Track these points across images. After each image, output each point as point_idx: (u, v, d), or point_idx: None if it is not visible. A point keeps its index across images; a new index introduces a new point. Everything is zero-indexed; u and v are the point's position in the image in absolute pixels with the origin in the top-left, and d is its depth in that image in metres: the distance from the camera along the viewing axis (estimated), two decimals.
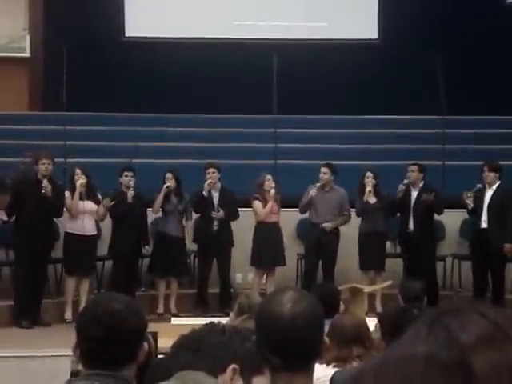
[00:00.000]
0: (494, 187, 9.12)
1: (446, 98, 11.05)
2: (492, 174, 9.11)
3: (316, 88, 13.21)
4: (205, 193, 9.25)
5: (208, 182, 9.27)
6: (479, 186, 9.21)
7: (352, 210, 9.44)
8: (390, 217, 9.55)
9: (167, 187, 9.22)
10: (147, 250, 9.35)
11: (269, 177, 9.39)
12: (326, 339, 2.08)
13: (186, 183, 9.45)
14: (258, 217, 9.32)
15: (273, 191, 9.23)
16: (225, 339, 1.82)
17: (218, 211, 9.25)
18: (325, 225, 9.18)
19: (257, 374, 1.75)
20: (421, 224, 9.18)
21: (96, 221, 9.17)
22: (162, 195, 9.23)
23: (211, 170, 9.36)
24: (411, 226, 9.24)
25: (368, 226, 9.29)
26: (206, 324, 1.91)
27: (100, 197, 9.15)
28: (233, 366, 1.69)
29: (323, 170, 9.35)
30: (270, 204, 9.26)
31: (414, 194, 9.30)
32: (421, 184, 9.35)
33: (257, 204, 9.33)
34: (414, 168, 9.36)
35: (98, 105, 12.50)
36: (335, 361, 3.80)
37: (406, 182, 9.32)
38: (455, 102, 11.24)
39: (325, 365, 3.74)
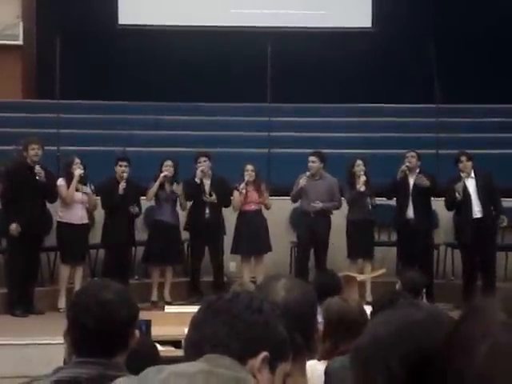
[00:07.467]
0: (473, 175, 9.15)
1: (440, 86, 11.04)
2: (470, 163, 9.15)
3: (311, 77, 13.18)
4: (197, 179, 9.25)
5: (200, 169, 9.27)
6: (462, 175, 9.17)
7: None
8: (387, 199, 9.52)
9: (165, 176, 9.20)
10: (139, 233, 9.33)
11: (248, 167, 9.35)
12: (320, 327, 2.07)
13: (180, 172, 9.43)
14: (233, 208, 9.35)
15: (246, 178, 9.21)
16: (261, 321, 1.58)
17: (211, 195, 9.24)
18: (314, 204, 9.12)
19: (283, 361, 1.63)
20: (420, 211, 9.17)
21: (87, 209, 9.13)
22: (157, 183, 9.21)
23: (202, 158, 9.36)
24: (410, 213, 9.23)
25: (357, 213, 9.26)
26: (240, 295, 1.67)
27: (92, 187, 9.12)
28: (264, 353, 1.56)
29: (311, 158, 9.31)
30: (236, 193, 9.21)
31: (412, 181, 9.30)
32: (417, 171, 9.35)
33: (234, 194, 9.33)
34: (414, 154, 9.38)
35: (92, 93, 12.46)
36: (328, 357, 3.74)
37: (407, 164, 9.29)
38: (449, 90, 11.23)
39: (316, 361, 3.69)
